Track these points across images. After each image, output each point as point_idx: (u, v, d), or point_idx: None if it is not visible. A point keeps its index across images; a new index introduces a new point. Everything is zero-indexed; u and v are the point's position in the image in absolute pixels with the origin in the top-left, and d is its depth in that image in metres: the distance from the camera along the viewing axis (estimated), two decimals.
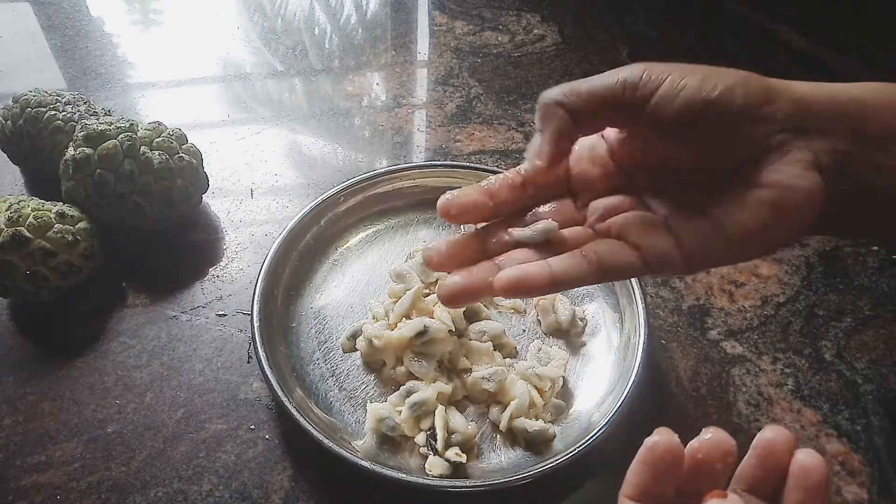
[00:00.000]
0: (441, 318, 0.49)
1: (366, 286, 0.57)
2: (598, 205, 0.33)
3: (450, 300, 0.31)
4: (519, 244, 0.32)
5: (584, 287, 0.55)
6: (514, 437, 0.46)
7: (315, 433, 0.43)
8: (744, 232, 0.29)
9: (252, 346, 0.49)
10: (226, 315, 0.55)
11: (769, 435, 0.24)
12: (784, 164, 0.28)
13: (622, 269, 0.31)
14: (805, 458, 0.24)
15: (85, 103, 0.63)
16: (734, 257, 0.31)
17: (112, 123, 0.55)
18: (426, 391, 0.46)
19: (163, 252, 0.60)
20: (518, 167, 0.34)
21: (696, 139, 0.30)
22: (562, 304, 0.53)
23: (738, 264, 0.60)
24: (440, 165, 0.64)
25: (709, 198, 0.30)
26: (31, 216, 0.50)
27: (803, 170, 0.28)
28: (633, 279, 0.52)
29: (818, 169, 0.28)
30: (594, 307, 0.55)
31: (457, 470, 0.44)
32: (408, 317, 0.50)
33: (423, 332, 0.47)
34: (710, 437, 0.24)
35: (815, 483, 0.24)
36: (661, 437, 0.24)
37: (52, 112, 0.60)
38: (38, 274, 0.50)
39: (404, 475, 0.42)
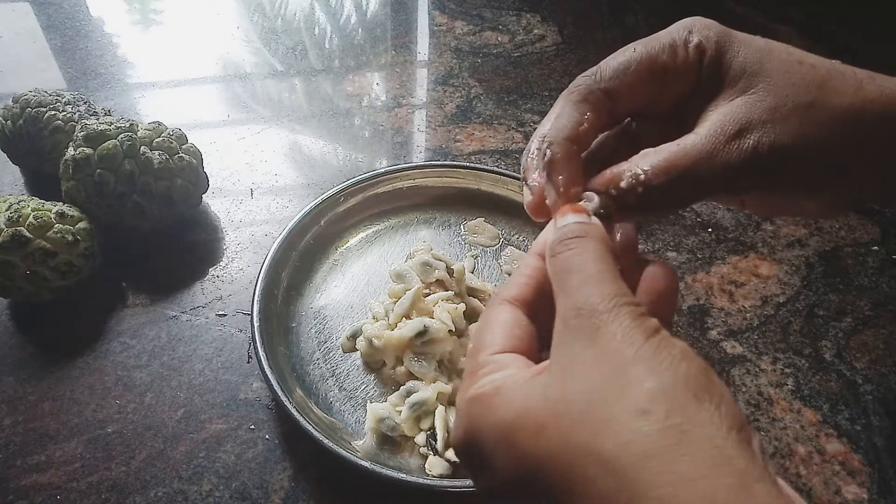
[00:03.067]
0: (441, 318, 0.49)
1: (366, 286, 0.57)
2: None
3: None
4: None
5: None
6: None
7: (315, 433, 0.43)
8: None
9: (252, 346, 0.49)
10: (226, 315, 0.55)
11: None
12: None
13: None
14: (655, 267, 0.26)
15: (85, 103, 0.63)
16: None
17: (112, 123, 0.55)
18: (426, 391, 0.46)
19: (163, 252, 0.60)
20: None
21: None
22: None
23: (738, 264, 0.60)
24: (440, 165, 0.64)
25: None
26: (31, 216, 0.50)
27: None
28: None
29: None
30: None
31: (457, 470, 0.44)
32: (408, 317, 0.50)
33: (423, 332, 0.47)
34: None
35: (665, 287, 0.25)
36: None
37: (52, 112, 0.60)
38: (38, 274, 0.50)
39: (404, 475, 0.42)
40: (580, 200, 0.27)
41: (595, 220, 0.25)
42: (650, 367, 0.19)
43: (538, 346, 0.25)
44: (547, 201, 0.27)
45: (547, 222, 0.27)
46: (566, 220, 0.25)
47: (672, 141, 0.26)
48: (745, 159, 0.25)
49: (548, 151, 0.27)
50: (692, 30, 0.27)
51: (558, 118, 0.28)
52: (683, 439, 0.18)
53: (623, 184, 0.26)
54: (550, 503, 0.20)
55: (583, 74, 0.28)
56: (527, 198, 0.28)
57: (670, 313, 0.26)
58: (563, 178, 0.26)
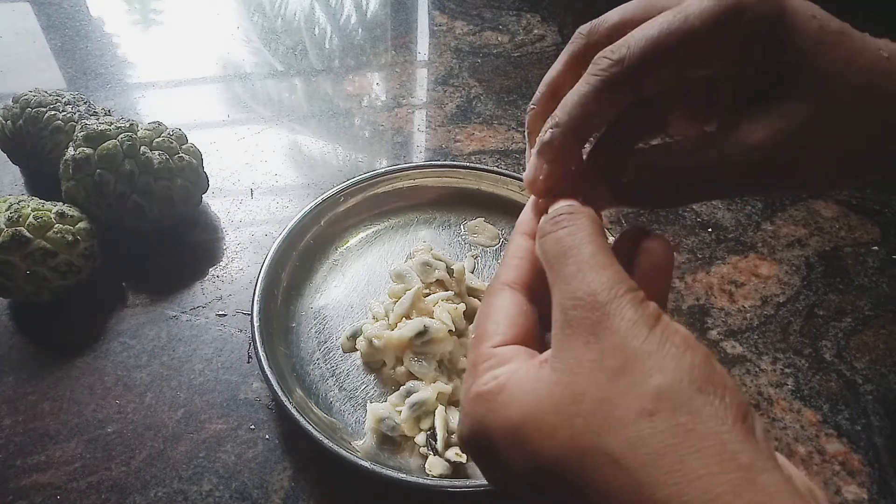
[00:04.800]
0: (441, 318, 0.49)
1: (366, 286, 0.57)
2: None
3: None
4: None
5: None
6: None
7: (315, 433, 0.43)
8: None
9: (252, 346, 0.49)
10: (226, 315, 0.55)
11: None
12: None
13: None
14: (653, 242, 0.25)
15: (85, 103, 0.63)
16: None
17: (112, 123, 0.55)
18: (426, 391, 0.46)
19: (163, 252, 0.60)
20: None
21: None
22: None
23: (738, 264, 0.60)
24: (440, 165, 0.64)
25: None
26: (31, 216, 0.50)
27: None
28: None
29: None
30: None
31: (457, 470, 0.44)
32: (408, 317, 0.50)
33: (423, 332, 0.47)
34: None
35: (665, 262, 0.25)
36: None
37: (52, 112, 0.60)
38: (38, 274, 0.50)
39: (404, 475, 0.42)
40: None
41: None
42: (655, 361, 0.19)
43: (541, 330, 0.25)
44: (525, 176, 0.27)
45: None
46: (556, 205, 0.25)
47: (699, 122, 0.26)
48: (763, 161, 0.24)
49: (550, 132, 0.26)
50: (742, 4, 0.24)
51: (578, 104, 0.25)
52: (689, 437, 0.18)
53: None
54: (564, 501, 0.20)
55: (601, 53, 0.25)
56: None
57: (667, 286, 0.26)
58: (551, 165, 0.26)
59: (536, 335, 0.25)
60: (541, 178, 0.26)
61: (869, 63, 0.24)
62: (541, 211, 0.26)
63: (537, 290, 0.25)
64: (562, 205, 0.24)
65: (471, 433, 0.23)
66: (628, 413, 0.19)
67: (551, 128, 0.26)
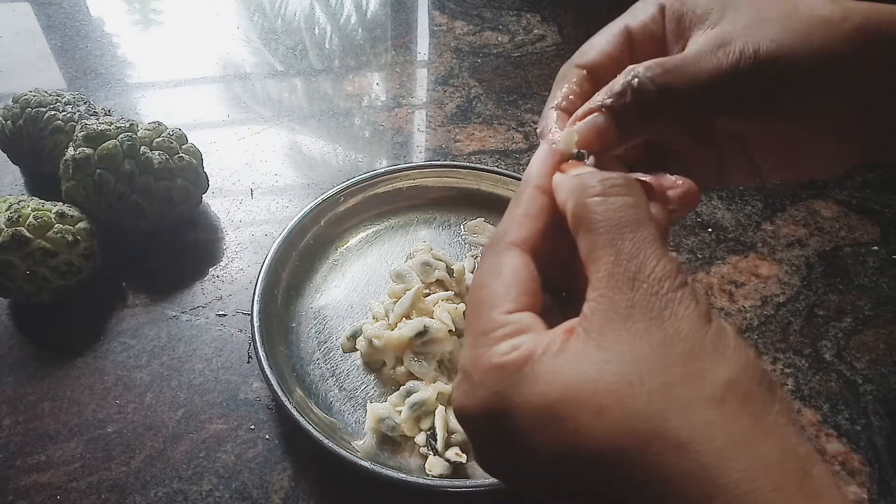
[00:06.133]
0: (441, 318, 0.49)
1: (366, 286, 0.57)
2: None
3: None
4: None
5: None
6: None
7: (315, 433, 0.43)
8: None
9: (252, 346, 0.49)
10: (226, 315, 0.55)
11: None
12: None
13: None
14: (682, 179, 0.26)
15: (85, 103, 0.63)
16: None
17: (112, 123, 0.55)
18: (426, 391, 0.46)
19: (163, 252, 0.60)
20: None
21: None
22: None
23: (738, 264, 0.60)
24: (440, 165, 0.64)
25: None
26: (31, 216, 0.50)
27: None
28: None
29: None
30: None
31: (457, 470, 0.44)
32: (408, 317, 0.50)
33: (423, 332, 0.47)
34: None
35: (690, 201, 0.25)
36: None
37: (52, 112, 0.60)
38: (38, 274, 0.50)
39: (404, 475, 0.42)
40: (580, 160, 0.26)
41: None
42: (720, 355, 0.19)
43: (542, 294, 0.23)
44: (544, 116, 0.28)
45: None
46: (579, 170, 0.24)
47: None
48: (732, 65, 0.24)
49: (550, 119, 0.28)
50: None
51: (557, 91, 0.28)
52: (757, 427, 0.18)
53: (617, 86, 0.25)
54: (600, 488, 0.19)
55: (577, 52, 0.29)
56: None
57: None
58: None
59: (541, 303, 0.23)
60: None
61: None
62: (563, 169, 0.25)
63: (544, 253, 0.24)
64: (605, 173, 0.23)
65: (484, 408, 0.21)
66: (698, 398, 0.18)
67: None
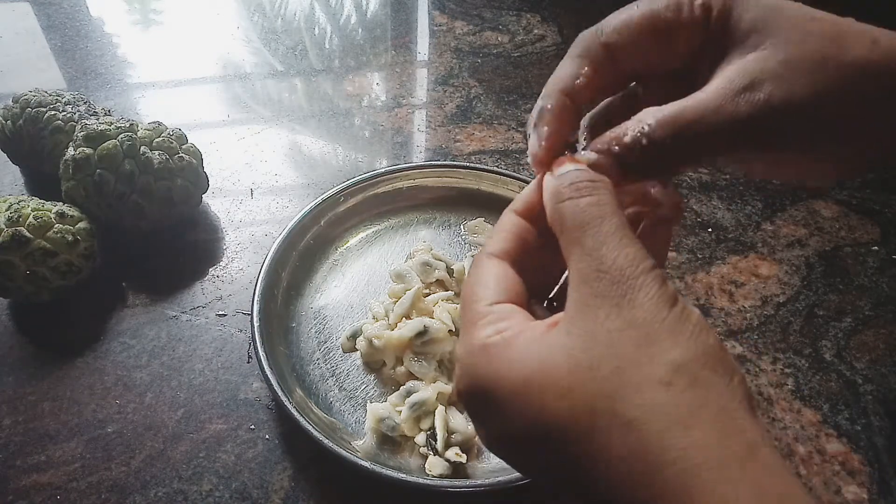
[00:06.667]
0: (441, 318, 0.49)
1: (366, 286, 0.57)
2: None
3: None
4: None
5: None
6: None
7: (315, 433, 0.43)
8: None
9: (252, 346, 0.49)
10: (226, 315, 0.55)
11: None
12: None
13: None
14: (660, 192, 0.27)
15: (85, 103, 0.63)
16: None
17: (112, 123, 0.55)
18: (426, 391, 0.46)
19: (163, 252, 0.60)
20: None
21: None
22: None
23: (738, 264, 0.60)
24: (440, 165, 0.64)
25: None
26: (31, 216, 0.50)
27: None
28: None
29: None
30: None
31: (457, 470, 0.44)
32: (408, 317, 0.50)
33: (423, 332, 0.47)
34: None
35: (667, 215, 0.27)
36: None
37: (52, 112, 0.60)
38: (38, 274, 0.50)
39: (404, 475, 0.42)
40: (574, 152, 0.26)
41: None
42: (674, 339, 0.20)
43: (527, 297, 0.26)
44: (529, 150, 0.27)
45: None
46: (565, 168, 0.25)
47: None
48: (755, 112, 0.24)
49: (540, 103, 0.27)
50: None
51: (556, 71, 0.27)
52: (702, 409, 0.19)
53: (627, 139, 0.25)
54: (563, 460, 0.21)
55: (588, 29, 0.27)
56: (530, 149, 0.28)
57: (667, 248, 0.28)
58: (549, 129, 0.26)
59: (526, 301, 0.25)
60: (542, 143, 0.26)
61: (831, 20, 0.25)
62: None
63: (523, 262, 0.26)
64: (579, 172, 0.24)
65: (472, 383, 0.23)
66: (646, 381, 0.20)
67: (543, 97, 0.27)
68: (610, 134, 0.26)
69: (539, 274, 0.27)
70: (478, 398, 0.23)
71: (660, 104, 0.26)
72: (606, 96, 0.29)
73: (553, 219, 0.24)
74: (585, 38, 0.27)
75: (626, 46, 0.27)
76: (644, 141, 0.25)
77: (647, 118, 0.25)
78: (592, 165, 0.25)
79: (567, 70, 0.27)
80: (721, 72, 0.25)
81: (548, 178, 0.26)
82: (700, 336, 0.21)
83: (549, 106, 0.27)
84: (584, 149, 0.26)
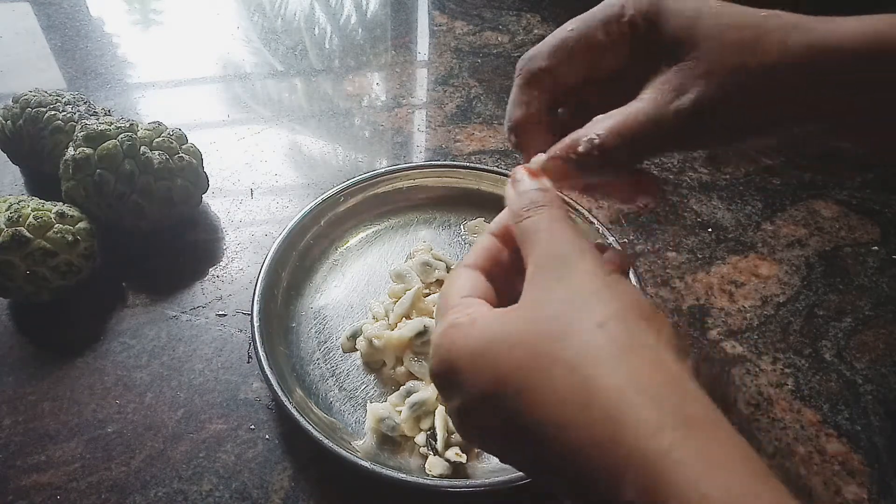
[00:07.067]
0: None
1: (366, 286, 0.57)
2: None
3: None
4: None
5: None
6: None
7: (315, 433, 0.43)
8: None
9: (252, 346, 0.49)
10: (226, 315, 0.55)
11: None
12: None
13: None
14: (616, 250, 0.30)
15: (85, 103, 0.63)
16: None
17: (112, 123, 0.55)
18: (426, 391, 0.46)
19: (163, 252, 0.60)
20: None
21: None
22: None
23: (738, 264, 0.60)
24: (440, 165, 0.64)
25: None
26: (31, 216, 0.50)
27: None
28: (632, 279, 0.52)
29: None
30: None
31: (457, 470, 0.44)
32: (408, 317, 0.50)
33: (423, 332, 0.47)
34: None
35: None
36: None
37: (52, 112, 0.60)
38: (38, 274, 0.50)
39: (404, 475, 0.42)
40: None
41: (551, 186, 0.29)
42: (610, 294, 0.24)
43: (497, 302, 0.28)
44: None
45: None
46: (524, 185, 0.29)
47: (620, 107, 0.29)
48: (683, 118, 0.28)
49: (510, 135, 0.33)
50: (625, 3, 0.30)
51: (510, 105, 0.33)
52: (632, 347, 0.22)
53: (581, 148, 0.29)
54: (517, 409, 0.23)
55: (523, 57, 0.33)
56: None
57: None
58: (524, 152, 0.32)
59: (495, 304, 0.28)
60: (558, 173, 0.30)
61: (751, 24, 0.28)
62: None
63: (495, 276, 0.29)
64: (535, 193, 0.28)
65: (439, 362, 0.26)
66: (582, 326, 0.23)
67: (507, 131, 0.33)
68: (566, 142, 0.30)
69: (508, 288, 0.29)
70: (443, 373, 0.25)
71: (602, 107, 0.29)
72: (557, 108, 0.34)
73: (516, 234, 0.28)
74: (525, 68, 0.33)
75: (562, 67, 0.32)
76: (596, 152, 0.28)
77: (597, 129, 0.29)
78: (553, 168, 0.30)
79: (518, 102, 0.33)
80: (653, 82, 0.29)
81: (510, 197, 0.29)
82: (632, 294, 0.24)
83: (513, 138, 0.32)
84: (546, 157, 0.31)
